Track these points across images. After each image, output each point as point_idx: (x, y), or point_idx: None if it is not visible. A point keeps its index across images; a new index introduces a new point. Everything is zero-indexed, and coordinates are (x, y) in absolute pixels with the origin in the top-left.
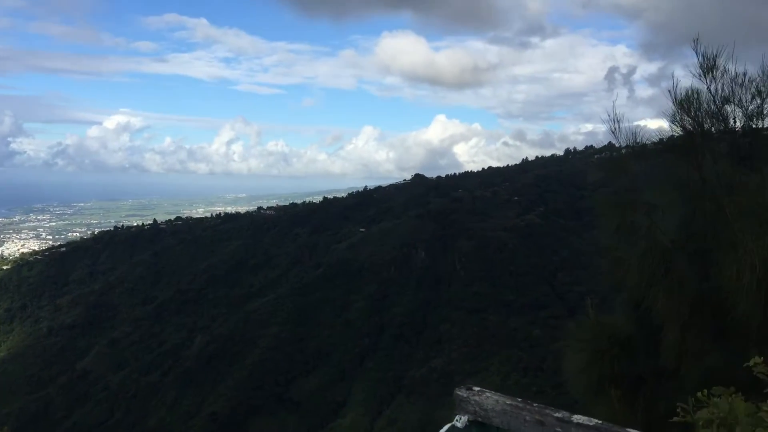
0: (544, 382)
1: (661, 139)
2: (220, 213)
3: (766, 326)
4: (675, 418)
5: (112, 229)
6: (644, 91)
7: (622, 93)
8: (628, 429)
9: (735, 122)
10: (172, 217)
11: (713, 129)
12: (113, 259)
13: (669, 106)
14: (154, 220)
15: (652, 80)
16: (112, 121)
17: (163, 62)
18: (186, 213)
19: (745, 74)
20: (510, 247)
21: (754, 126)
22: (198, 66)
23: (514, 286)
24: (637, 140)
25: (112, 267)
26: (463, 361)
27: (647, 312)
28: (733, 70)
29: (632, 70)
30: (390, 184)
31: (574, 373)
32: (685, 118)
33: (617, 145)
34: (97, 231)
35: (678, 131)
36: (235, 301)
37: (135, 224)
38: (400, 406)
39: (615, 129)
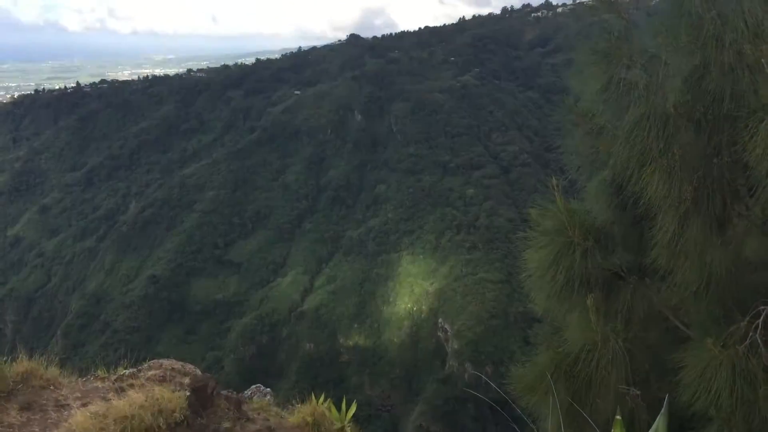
0: (476, 239)
1: None
2: (147, 75)
3: None
4: None
5: (32, 92)
6: None
7: None
8: None
9: None
10: (97, 80)
11: None
12: (36, 124)
13: None
14: (78, 83)
15: None
16: None
17: None
18: (111, 75)
19: None
20: (446, 109)
21: None
22: None
23: (449, 146)
24: None
25: (36, 132)
26: (398, 221)
27: (634, 197)
28: None
29: None
30: (324, 45)
31: (536, 274)
32: None
33: None
34: (17, 95)
35: None
36: (170, 166)
37: (57, 87)
38: (338, 264)
39: None
